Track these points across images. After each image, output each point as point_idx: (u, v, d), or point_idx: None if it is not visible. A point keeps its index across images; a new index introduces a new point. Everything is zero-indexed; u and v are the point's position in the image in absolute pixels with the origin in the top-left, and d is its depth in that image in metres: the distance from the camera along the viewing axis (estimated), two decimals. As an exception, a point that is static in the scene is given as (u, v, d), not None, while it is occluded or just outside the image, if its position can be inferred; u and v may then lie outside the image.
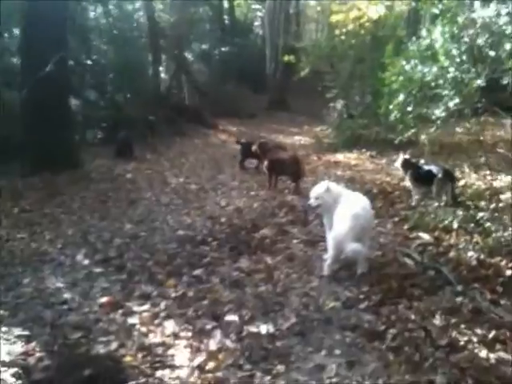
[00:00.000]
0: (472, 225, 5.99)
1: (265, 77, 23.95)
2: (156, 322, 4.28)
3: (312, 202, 5.46)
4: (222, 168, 11.57)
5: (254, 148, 9.73)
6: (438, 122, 6.06)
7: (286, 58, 13.98)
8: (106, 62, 17.44)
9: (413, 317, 4.07)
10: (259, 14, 28.01)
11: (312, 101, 19.43)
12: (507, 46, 6.24)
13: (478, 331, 3.80)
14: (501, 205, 6.77)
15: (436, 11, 7.33)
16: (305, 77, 15.90)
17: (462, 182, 8.68)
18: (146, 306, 4.55)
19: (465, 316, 4.03)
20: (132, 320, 4.32)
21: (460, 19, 6.50)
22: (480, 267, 4.87)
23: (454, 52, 6.23)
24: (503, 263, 4.92)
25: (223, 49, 24.21)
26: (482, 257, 5.06)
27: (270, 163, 9.08)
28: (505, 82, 7.23)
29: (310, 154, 13.27)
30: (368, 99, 14.83)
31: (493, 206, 6.78)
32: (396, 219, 6.77)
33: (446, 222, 6.14)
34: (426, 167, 7.76)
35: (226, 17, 27.39)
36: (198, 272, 5.31)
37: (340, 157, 12.35)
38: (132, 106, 16.56)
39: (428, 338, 3.76)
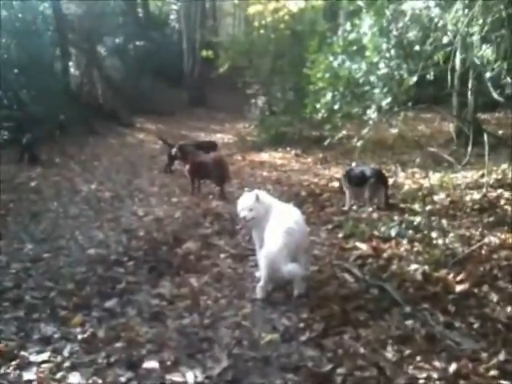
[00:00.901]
0: (410, 231, 5.60)
1: (183, 72, 23.05)
2: (58, 375, 3.47)
3: (246, 214, 4.80)
4: (140, 171, 10.71)
5: (173, 151, 8.97)
6: (370, 122, 5.62)
7: (204, 53, 13.32)
8: (7, 57, 15.87)
9: (362, 350, 3.53)
10: (174, 7, 26.98)
11: (233, 97, 18.85)
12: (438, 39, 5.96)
13: (437, 364, 3.33)
14: (437, 206, 6.49)
15: (360, 3, 6.94)
16: (224, 73, 15.28)
17: (390, 181, 8.41)
18: (47, 354, 3.71)
19: (419, 345, 3.55)
20: (28, 375, 3.50)
21: (388, 12, 6.10)
22: (426, 283, 4.45)
23: (384, 47, 5.81)
24: (450, 277, 4.52)
25: (138, 43, 22.99)
26: (427, 269, 4.65)
27: (191, 166, 8.38)
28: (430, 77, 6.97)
29: (234, 153, 12.69)
30: (290, 95, 14.45)
31: (428, 208, 6.48)
32: (329, 226, 6.31)
33: (383, 229, 5.72)
34: (359, 168, 7.38)
35: (139, 10, 26.12)
36: (110, 303, 4.52)
37: (265, 156, 11.84)
38: (39, 104, 15.20)
39: (382, 376, 3.24)
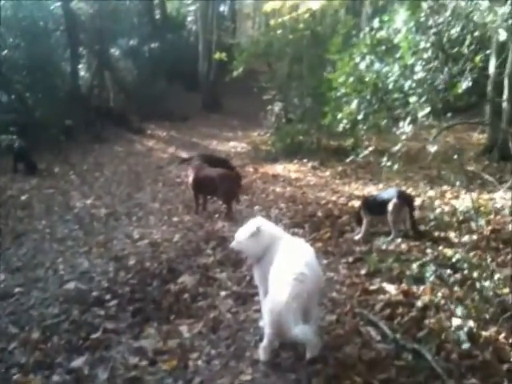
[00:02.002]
0: (448, 271, 4.65)
1: (198, 76, 22.27)
2: None
3: (234, 244, 4.03)
4: (143, 184, 9.87)
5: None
6: (403, 137, 4.69)
7: (218, 55, 12.43)
8: (14, 58, 15.25)
9: None
10: (192, 8, 26.20)
11: (248, 102, 17.97)
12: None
13: None
14: (475, 237, 5.52)
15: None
16: (240, 77, 14.39)
17: (418, 201, 7.46)
18: None
19: None
20: None
21: (426, 4, 5.14)
22: (473, 345, 3.50)
23: (421, 46, 4.88)
24: (502, 337, 3.58)
25: (153, 45, 22.28)
26: (473, 326, 3.70)
27: (194, 181, 7.51)
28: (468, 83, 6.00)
29: (246, 164, 11.79)
30: (308, 102, 13.51)
31: (465, 238, 5.53)
32: (350, 259, 5.38)
33: (414, 266, 4.78)
34: (380, 194, 6.47)
35: (156, 11, 25.42)
36: (78, 362, 3.69)
37: (279, 168, 10.92)
38: (44, 108, 14.55)
39: None
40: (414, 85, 4.66)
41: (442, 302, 4.10)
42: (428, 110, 4.45)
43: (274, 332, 3.46)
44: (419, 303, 4.09)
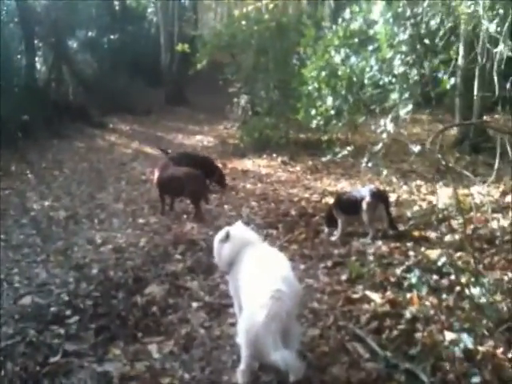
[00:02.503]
0: (434, 276, 4.40)
1: (160, 69, 21.64)
2: None
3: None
4: (105, 182, 9.37)
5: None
6: (384, 135, 4.40)
7: (180, 47, 11.98)
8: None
9: None
10: (152, -1, 25.49)
11: (213, 95, 17.54)
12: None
13: None
14: (457, 236, 5.30)
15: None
16: (204, 69, 13.95)
17: (393, 198, 7.24)
18: None
19: None
20: None
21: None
22: (470, 363, 3.23)
23: (401, 38, 4.59)
24: (500, 352, 3.32)
25: (113, 37, 21.56)
26: (467, 339, 3.43)
27: (159, 181, 7.11)
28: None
29: (214, 159, 11.35)
30: (275, 95, 13.19)
31: (447, 238, 5.31)
32: (329, 263, 5.07)
33: (398, 271, 4.51)
34: (353, 192, 6.19)
35: (115, 1, 24.57)
36: (34, 393, 3.28)
37: (249, 163, 10.58)
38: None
39: None
40: (393, 80, 4.36)
41: (432, 311, 3.83)
42: (410, 107, 4.18)
43: (251, 354, 3.13)
44: (407, 314, 3.80)
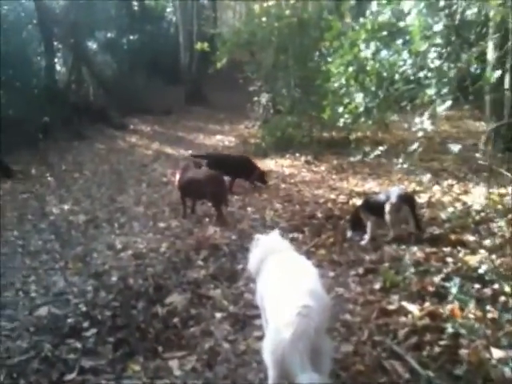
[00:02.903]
0: (476, 285, 4.07)
1: (180, 68, 21.47)
2: None
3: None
4: (126, 185, 9.19)
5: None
6: (420, 132, 4.07)
7: (199, 45, 11.76)
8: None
9: None
10: (171, -2, 25.31)
11: (234, 94, 17.33)
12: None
13: None
14: (498, 241, 4.96)
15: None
16: (224, 68, 13.71)
17: (424, 198, 6.90)
18: None
19: None
20: None
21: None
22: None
23: (436, 29, 4.25)
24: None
25: (132, 37, 21.48)
26: (518, 356, 3.12)
27: (180, 184, 6.89)
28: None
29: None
30: (296, 92, 12.88)
31: (487, 243, 4.96)
32: (360, 270, 4.76)
33: (436, 279, 4.19)
34: (381, 194, 5.88)
35: (134, 2, 24.48)
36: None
37: (271, 164, 10.29)
38: (19, 106, 13.70)
39: None
40: (429, 74, 4.03)
41: (476, 325, 3.51)
42: (449, 103, 3.85)
43: (278, 375, 2.85)
44: (449, 328, 3.48)
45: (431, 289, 4.05)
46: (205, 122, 16.88)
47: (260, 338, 3.71)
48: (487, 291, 3.98)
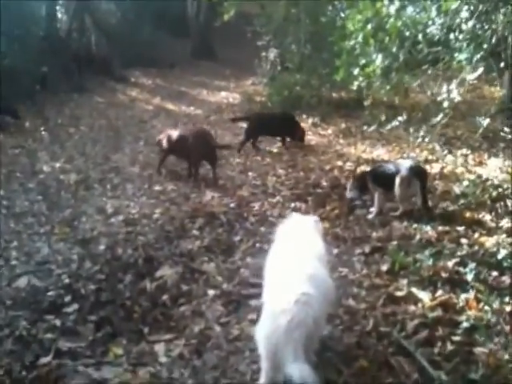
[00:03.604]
0: (494, 273, 3.70)
1: (187, 20, 20.63)
2: None
3: None
4: (122, 142, 8.76)
5: None
6: (446, 104, 3.63)
7: (207, -6, 11.14)
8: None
9: None
10: None
11: (241, 49, 16.64)
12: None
13: None
14: (506, 221, 4.57)
15: None
16: (232, 20, 13.05)
17: (436, 168, 6.49)
18: None
19: None
20: None
21: None
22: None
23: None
24: None
25: (137, -16, 20.53)
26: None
27: (166, 140, 6.82)
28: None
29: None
30: (307, 49, 12.26)
31: (504, 223, 4.58)
32: (366, 248, 4.40)
33: (450, 264, 3.83)
34: (391, 163, 5.46)
35: None
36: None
37: (276, 124, 9.80)
38: (17, 55, 13.13)
39: None
40: (460, 37, 3.54)
41: (493, 319, 3.16)
42: (481, 71, 3.38)
43: (272, 366, 2.58)
44: (464, 322, 3.14)
45: (444, 274, 3.69)
46: (210, 78, 16.26)
47: (255, 322, 3.40)
48: (505, 279, 3.61)
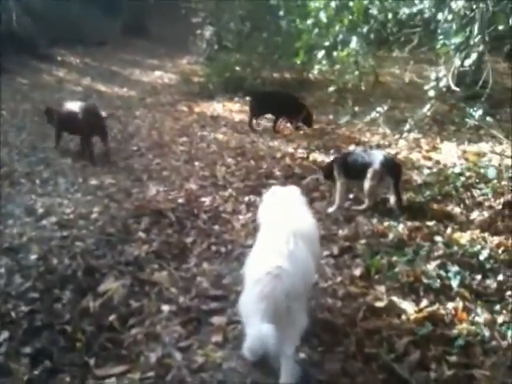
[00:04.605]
0: (478, 277, 3.42)
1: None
2: None
3: None
4: (51, 129, 7.89)
5: None
6: (432, 91, 3.27)
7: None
8: None
9: None
10: None
11: (175, 26, 15.83)
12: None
13: None
14: (486, 214, 4.34)
15: None
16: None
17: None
18: None
19: None
20: None
21: None
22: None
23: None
24: None
25: (61, -44, 19.07)
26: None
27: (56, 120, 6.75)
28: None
29: (178, 100, 10.06)
30: (246, 27, 11.74)
31: (475, 215, 4.34)
32: (334, 249, 4.02)
33: (430, 267, 3.52)
34: (362, 152, 5.08)
35: None
36: None
37: (218, 108, 9.29)
38: None
39: None
40: (449, 17, 3.16)
41: (486, 333, 2.86)
42: (475, 56, 3.02)
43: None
44: (458, 339, 2.81)
45: (426, 280, 3.36)
46: (143, 56, 15.38)
47: (221, 346, 2.98)
48: (490, 283, 3.34)
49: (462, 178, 4.99)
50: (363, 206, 4.72)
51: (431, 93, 3.34)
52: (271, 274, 2.47)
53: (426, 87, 3.43)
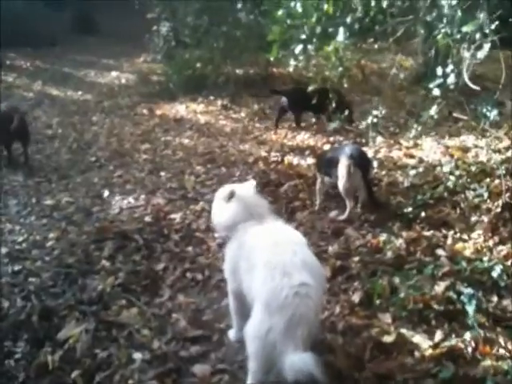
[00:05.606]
0: (494, 298, 3.03)
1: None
2: None
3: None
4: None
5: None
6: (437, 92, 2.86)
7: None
8: None
9: None
10: None
11: (129, 22, 15.05)
12: None
13: None
14: (485, 218, 3.97)
15: None
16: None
17: (369, 153, 5.81)
18: None
19: None
20: None
21: None
22: None
23: None
24: None
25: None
26: None
27: None
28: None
29: (137, 102, 9.44)
30: (204, 22, 11.15)
31: (474, 220, 3.98)
32: (327, 270, 3.55)
33: (439, 290, 3.10)
34: (339, 148, 4.70)
35: None
36: None
37: (181, 109, 8.73)
38: None
39: None
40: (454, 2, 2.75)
41: (505, 366, 2.47)
42: (487, 47, 2.62)
43: (263, 366, 2.30)
44: (487, 381, 2.40)
45: (437, 306, 2.94)
46: (97, 56, 14.59)
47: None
48: (508, 305, 2.95)
49: (453, 178, 4.60)
50: (346, 212, 4.31)
51: (436, 92, 2.95)
52: (300, 295, 2.21)
53: (430, 85, 3.05)
